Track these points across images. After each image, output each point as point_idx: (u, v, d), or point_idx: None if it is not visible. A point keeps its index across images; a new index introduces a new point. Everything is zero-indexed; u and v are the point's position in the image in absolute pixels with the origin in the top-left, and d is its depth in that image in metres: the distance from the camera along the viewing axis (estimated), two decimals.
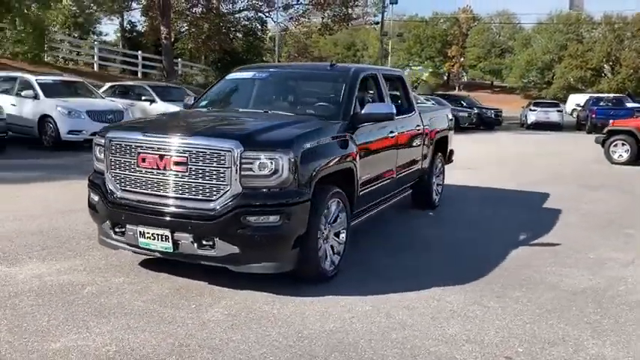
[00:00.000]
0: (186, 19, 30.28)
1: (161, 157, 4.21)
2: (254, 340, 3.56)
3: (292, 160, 4.10)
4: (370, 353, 3.48)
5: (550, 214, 7.78)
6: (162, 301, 4.16)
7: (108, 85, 17.72)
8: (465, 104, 28.94)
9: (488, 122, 28.80)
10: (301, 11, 31.63)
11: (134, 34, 40.45)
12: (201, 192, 4.13)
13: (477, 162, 13.75)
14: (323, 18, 32.20)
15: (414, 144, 6.70)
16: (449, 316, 4.09)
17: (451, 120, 8.34)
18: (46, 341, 3.46)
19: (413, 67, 78.99)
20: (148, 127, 4.49)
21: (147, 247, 4.32)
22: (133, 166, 4.34)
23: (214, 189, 4.09)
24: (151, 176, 4.27)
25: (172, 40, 30.34)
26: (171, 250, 4.22)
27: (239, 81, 6.10)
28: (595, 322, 4.09)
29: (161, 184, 4.24)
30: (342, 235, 4.89)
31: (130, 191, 4.37)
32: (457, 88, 70.90)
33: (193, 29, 30.43)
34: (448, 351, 3.55)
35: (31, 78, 13.55)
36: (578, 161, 14.74)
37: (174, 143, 4.19)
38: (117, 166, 4.43)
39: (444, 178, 8.11)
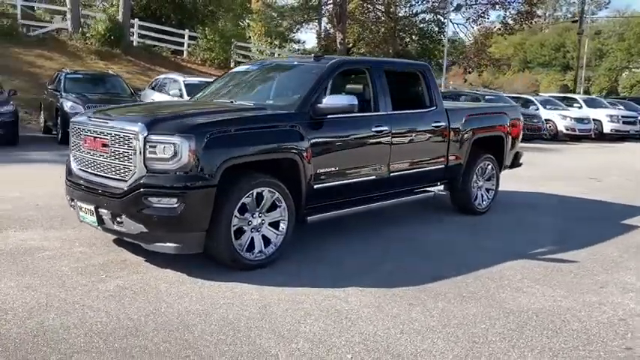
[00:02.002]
0: (363, 24, 31.02)
1: (94, 139, 4.66)
2: (106, 311, 3.79)
3: (193, 145, 4.23)
4: (195, 335, 3.50)
5: (618, 230, 6.71)
6: (85, 270, 4.58)
7: None
8: None
9: None
10: (480, 11, 30.39)
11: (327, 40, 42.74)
12: (118, 172, 4.48)
13: (610, 172, 12.21)
14: (504, 17, 30.60)
15: (429, 142, 6.29)
16: (324, 315, 3.88)
17: (514, 120, 7.55)
18: None
19: (634, 69, 70.68)
20: (95, 113, 4.96)
21: (84, 220, 4.81)
22: (81, 147, 4.86)
23: (127, 170, 4.41)
24: (89, 156, 4.74)
25: (350, 45, 31.43)
26: (97, 224, 4.64)
27: (235, 74, 6.35)
28: (484, 344, 3.57)
29: (95, 163, 4.69)
30: (283, 226, 4.87)
31: (81, 170, 4.89)
32: None
33: (368, 34, 31.08)
34: (272, 345, 3.42)
35: (180, 79, 15.22)
36: None
37: (102, 126, 4.61)
38: (74, 147, 4.99)
39: (497, 183, 7.40)
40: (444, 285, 4.58)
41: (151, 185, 4.28)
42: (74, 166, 4.98)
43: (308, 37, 58.02)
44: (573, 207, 8.19)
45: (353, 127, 5.41)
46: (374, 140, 5.61)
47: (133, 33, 25.91)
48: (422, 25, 32.98)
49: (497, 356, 3.41)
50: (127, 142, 4.38)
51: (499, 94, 23.79)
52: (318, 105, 5.07)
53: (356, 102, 5.10)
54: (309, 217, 5.18)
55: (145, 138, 4.27)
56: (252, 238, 4.70)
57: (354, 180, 5.48)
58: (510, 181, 9.48)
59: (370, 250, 5.47)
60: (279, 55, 31.76)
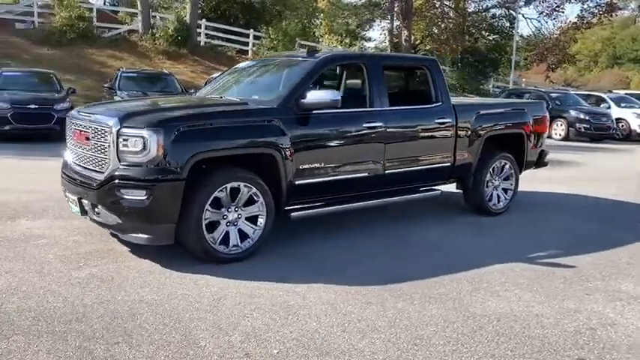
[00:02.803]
0: (431, 20, 30.44)
1: (80, 132, 4.87)
2: (66, 296, 3.94)
3: (161, 139, 4.33)
4: (136, 323, 3.58)
5: None
6: (68, 257, 4.79)
7: None
8: None
9: None
10: (554, 5, 29.03)
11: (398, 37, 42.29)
12: (97, 164, 4.66)
13: None
14: (582, 11, 29.09)
15: (432, 139, 6.11)
16: (273, 310, 3.87)
17: (537, 118, 7.19)
18: None
19: None
20: (85, 108, 5.18)
21: (72, 210, 5.04)
22: (71, 140, 5.09)
23: (104, 162, 4.58)
24: (77, 149, 4.96)
25: (417, 42, 30.98)
26: (81, 214, 4.85)
27: (236, 70, 6.43)
28: (424, 346, 3.45)
29: (81, 155, 4.90)
30: (261, 221, 4.89)
31: (72, 162, 5.12)
32: None
33: (434, 30, 30.48)
34: (205, 337, 3.45)
35: None
36: None
37: (86, 120, 4.81)
38: (68, 140, 5.23)
39: (515, 183, 7.06)
40: (415, 285, 4.45)
41: (122, 177, 4.42)
42: (67, 158, 5.22)
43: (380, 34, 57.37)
44: (603, 209, 7.71)
45: (341, 123, 5.35)
46: (366, 137, 5.51)
47: (200, 33, 26.70)
48: (492, 21, 31.96)
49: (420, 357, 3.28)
50: (103, 135, 4.55)
51: (567, 91, 22.69)
52: (302, 100, 5.04)
53: (338, 97, 5.03)
54: (292, 214, 5.17)
55: (117, 131, 4.42)
56: (228, 232, 4.75)
57: (343, 177, 5.40)
58: (551, 182, 9.18)
59: (358, 248, 5.39)
60: None
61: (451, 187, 6.94)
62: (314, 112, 5.11)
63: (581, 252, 5.48)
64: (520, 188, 8.14)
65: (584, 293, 4.44)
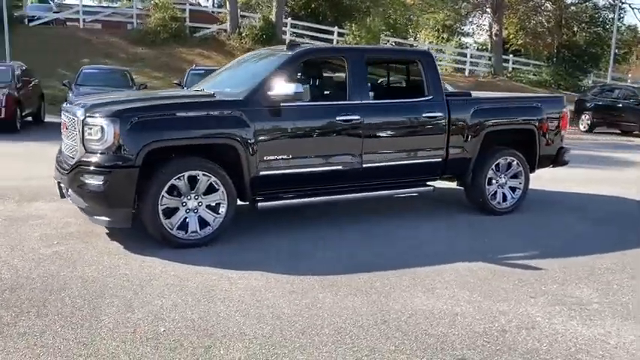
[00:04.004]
0: (524, 14, 29.11)
1: (64, 122, 5.31)
2: (18, 269, 4.34)
3: (117, 128, 4.63)
4: (58, 297, 3.88)
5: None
6: (48, 236, 5.21)
7: None
8: None
9: None
10: None
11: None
12: (72, 151, 5.06)
13: None
14: None
15: (420, 133, 5.99)
16: (192, 293, 4.03)
17: (553, 114, 6.79)
18: None
19: None
20: (72, 100, 5.60)
21: (58, 193, 5.48)
22: (61, 130, 5.54)
23: (75, 149, 4.97)
24: (64, 137, 5.41)
25: (510, 36, 29.82)
26: (60, 197, 5.29)
27: (231, 63, 6.63)
28: (309, 335, 3.47)
29: (64, 143, 5.34)
30: (223, 209, 5.07)
31: (63, 150, 5.58)
32: None
33: (528, 24, 29.09)
34: (111, 312, 3.67)
35: None
36: None
37: (67, 111, 5.24)
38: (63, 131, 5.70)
39: (525, 181, 6.69)
40: (353, 278, 4.43)
41: (85, 163, 4.77)
42: (62, 146, 5.69)
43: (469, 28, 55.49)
44: (634, 213, 7.12)
45: (311, 115, 5.40)
46: (340, 130, 5.51)
47: (286, 32, 27.34)
48: (593, 12, 29.89)
49: (305, 348, 3.30)
50: (74, 124, 4.94)
51: None
52: (268, 93, 5.16)
53: (302, 90, 5.08)
54: (259, 204, 5.30)
55: (82, 121, 4.78)
56: (187, 219, 4.96)
57: (314, 169, 5.45)
58: (604, 182, 8.99)
59: (324, 240, 5.39)
60: (441, 49, 31.32)
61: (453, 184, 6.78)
62: (283, 104, 5.20)
63: (564, 255, 5.19)
64: (557, 188, 7.85)
65: (528, 296, 4.21)
